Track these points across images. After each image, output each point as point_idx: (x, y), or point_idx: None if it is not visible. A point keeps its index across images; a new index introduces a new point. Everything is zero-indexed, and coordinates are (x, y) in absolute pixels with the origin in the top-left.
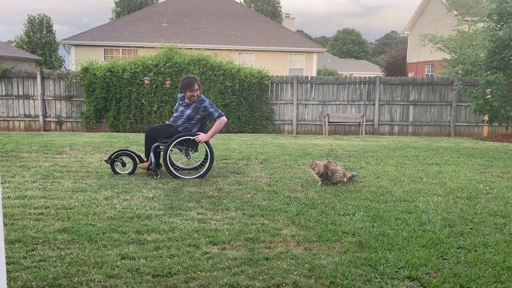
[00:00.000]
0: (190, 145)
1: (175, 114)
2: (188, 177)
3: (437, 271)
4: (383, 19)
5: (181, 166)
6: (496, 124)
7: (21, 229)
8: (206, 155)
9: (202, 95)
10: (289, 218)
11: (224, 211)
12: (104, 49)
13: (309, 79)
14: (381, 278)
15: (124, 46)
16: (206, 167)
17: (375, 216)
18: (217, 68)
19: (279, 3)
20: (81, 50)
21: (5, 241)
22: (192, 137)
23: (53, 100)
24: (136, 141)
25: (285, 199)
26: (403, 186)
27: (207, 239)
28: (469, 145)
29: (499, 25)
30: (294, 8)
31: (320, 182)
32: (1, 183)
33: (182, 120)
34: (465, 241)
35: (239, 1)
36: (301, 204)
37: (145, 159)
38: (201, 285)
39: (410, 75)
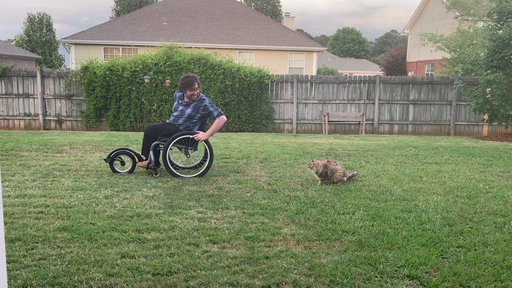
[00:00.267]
0: (189, 144)
1: (175, 113)
2: (188, 176)
3: (436, 270)
4: (383, 18)
5: (181, 165)
6: (496, 123)
7: (21, 227)
8: (206, 153)
9: (201, 94)
10: (289, 217)
11: (224, 210)
12: (104, 48)
13: (309, 78)
14: (381, 277)
15: (124, 45)
16: (205, 165)
17: (374, 215)
18: (217, 67)
19: (279, 2)
20: (81, 49)
21: (5, 240)
22: (191, 136)
23: (53, 99)
24: (136, 140)
25: (285, 198)
26: (403, 185)
27: (207, 238)
28: (469, 144)
29: (499, 24)
30: (294, 7)
31: (319, 181)
32: (1, 181)
33: (183, 119)
34: (464, 240)
35: (239, 0)
36: (301, 203)
37: (143, 158)
38: (201, 284)
39: (410, 74)
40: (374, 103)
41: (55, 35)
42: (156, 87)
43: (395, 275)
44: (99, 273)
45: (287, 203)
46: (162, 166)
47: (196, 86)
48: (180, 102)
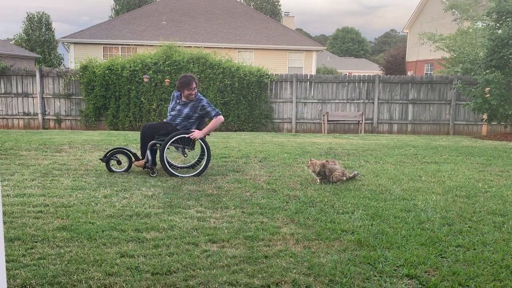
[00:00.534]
0: (186, 143)
1: (172, 113)
2: (186, 175)
3: (435, 269)
4: (383, 17)
5: (179, 165)
6: (495, 123)
7: (20, 227)
8: (202, 151)
9: (199, 94)
10: (288, 216)
11: (223, 209)
12: (103, 47)
13: (309, 78)
14: (380, 276)
15: (123, 44)
16: (203, 164)
17: (374, 215)
18: (216, 66)
19: (279, 1)
20: (80, 48)
21: (4, 239)
22: (186, 135)
23: (52, 98)
24: (135, 139)
25: (284, 197)
26: (402, 184)
27: (206, 237)
28: (468, 143)
29: (498, 24)
30: (293, 6)
31: (318, 181)
32: (1, 181)
33: (180, 118)
34: (463, 240)
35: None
36: (300, 202)
37: (140, 157)
38: (200, 283)
39: (409, 73)
40: (373, 103)
41: (54, 34)
42: (155, 87)
43: (394, 274)
44: (98, 273)
45: (287, 202)
46: (159, 165)
47: (194, 85)
48: (177, 101)
